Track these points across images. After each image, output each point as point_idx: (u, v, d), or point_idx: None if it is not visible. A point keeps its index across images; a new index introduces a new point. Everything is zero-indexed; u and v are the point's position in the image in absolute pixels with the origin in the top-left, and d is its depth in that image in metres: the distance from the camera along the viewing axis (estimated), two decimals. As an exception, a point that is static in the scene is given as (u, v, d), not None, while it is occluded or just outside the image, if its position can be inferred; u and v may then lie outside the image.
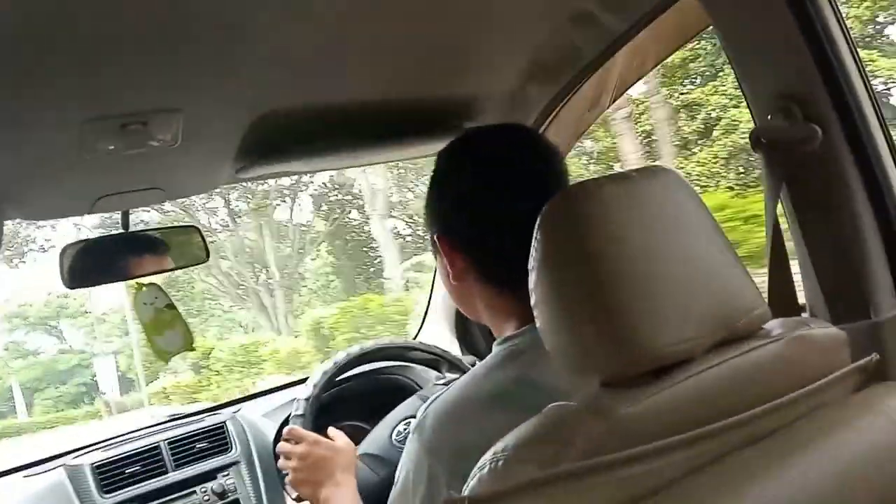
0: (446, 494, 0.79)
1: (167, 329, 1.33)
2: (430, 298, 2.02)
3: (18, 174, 1.08)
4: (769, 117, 0.89)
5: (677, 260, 0.65)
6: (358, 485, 1.22)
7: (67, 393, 18.51)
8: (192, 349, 1.37)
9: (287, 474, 1.31)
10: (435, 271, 1.97)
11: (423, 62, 1.17)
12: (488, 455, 0.61)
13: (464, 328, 1.91)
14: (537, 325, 0.68)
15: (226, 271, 16.70)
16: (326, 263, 18.41)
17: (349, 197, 17.74)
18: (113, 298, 19.09)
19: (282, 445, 1.28)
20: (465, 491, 0.61)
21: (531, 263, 0.68)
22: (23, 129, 0.96)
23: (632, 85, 1.54)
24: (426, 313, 2.04)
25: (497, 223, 0.89)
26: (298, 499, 1.37)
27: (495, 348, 0.90)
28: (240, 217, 17.27)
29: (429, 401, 0.88)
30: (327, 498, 1.20)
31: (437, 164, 0.97)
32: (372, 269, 17.65)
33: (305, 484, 1.23)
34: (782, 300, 0.89)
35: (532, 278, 0.68)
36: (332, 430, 1.33)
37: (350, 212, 17.99)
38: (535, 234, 0.67)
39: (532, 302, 0.68)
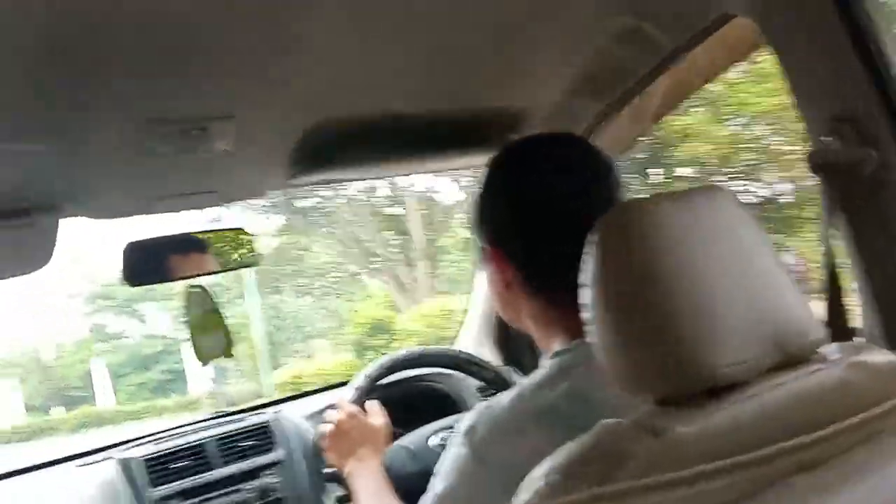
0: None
1: (212, 332, 1.37)
2: (469, 307, 2.03)
3: (81, 173, 1.12)
4: (824, 139, 0.88)
5: (734, 281, 0.65)
6: (387, 472, 1.25)
7: (151, 380, 17.02)
8: (231, 356, 1.40)
9: (328, 475, 1.35)
10: (473, 282, 1.98)
11: (473, 74, 1.18)
12: (539, 471, 0.61)
13: (504, 337, 1.91)
14: (591, 341, 0.68)
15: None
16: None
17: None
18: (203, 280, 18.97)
19: (329, 413, 1.36)
20: None
21: (585, 278, 0.68)
22: (88, 130, 1.00)
23: (679, 103, 1.53)
24: (466, 321, 2.05)
25: (549, 235, 0.89)
26: (340, 500, 1.40)
27: (546, 362, 0.89)
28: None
29: (478, 408, 0.87)
30: (350, 471, 1.25)
31: (487, 173, 0.96)
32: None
33: (333, 450, 1.31)
34: (839, 325, 0.88)
35: (586, 294, 0.68)
36: (372, 405, 1.37)
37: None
38: (589, 249, 0.68)
39: (585, 318, 0.68)
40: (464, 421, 0.88)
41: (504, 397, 0.87)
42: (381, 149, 1.32)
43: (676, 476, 0.56)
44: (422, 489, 0.91)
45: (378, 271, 14.20)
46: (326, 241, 14.11)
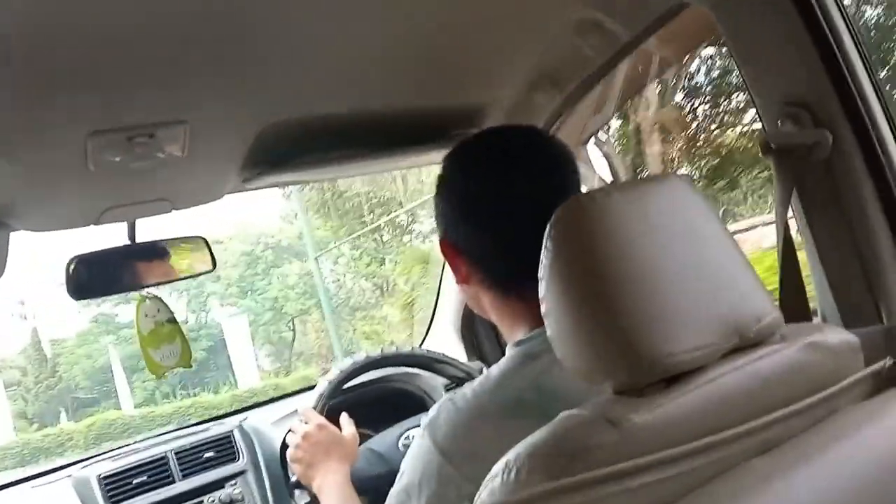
0: (457, 497, 0.78)
1: (165, 343, 1.34)
2: (435, 304, 2.02)
3: (24, 187, 1.08)
4: (779, 123, 0.89)
5: (688, 267, 0.64)
6: (355, 475, 1.22)
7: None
8: (189, 366, 1.37)
9: (294, 482, 1.32)
10: (441, 277, 1.97)
11: (429, 71, 1.17)
12: (500, 464, 0.60)
13: (470, 334, 1.91)
14: (548, 334, 0.67)
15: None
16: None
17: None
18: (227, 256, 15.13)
19: (293, 423, 1.32)
20: (477, 501, 0.60)
21: (541, 272, 0.67)
22: (29, 142, 0.96)
23: (637, 93, 1.54)
24: (432, 319, 2.04)
25: (501, 229, 0.88)
26: None
27: (509, 351, 0.88)
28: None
29: (441, 401, 0.86)
30: (320, 485, 1.22)
31: (442, 167, 0.95)
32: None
33: (300, 462, 1.26)
34: (794, 306, 0.89)
35: (542, 287, 0.67)
36: (344, 417, 1.34)
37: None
38: (544, 243, 0.67)
39: (542, 311, 0.67)
40: (427, 414, 0.86)
41: (467, 389, 0.86)
42: (338, 148, 1.30)
43: (634, 465, 0.56)
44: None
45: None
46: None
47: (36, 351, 15.36)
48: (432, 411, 0.86)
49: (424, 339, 2.05)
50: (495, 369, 0.87)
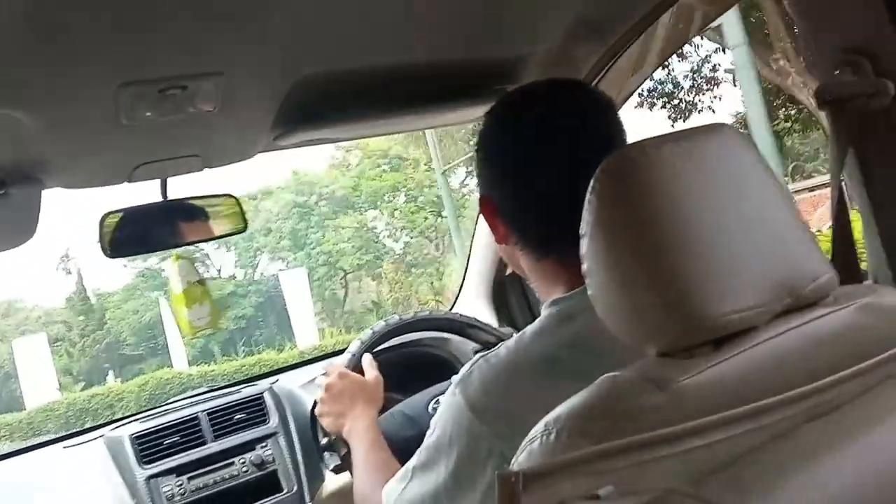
0: (488, 455, 0.78)
1: (196, 303, 1.35)
2: (466, 269, 2.00)
3: (56, 143, 1.07)
4: (836, 73, 0.84)
5: (740, 223, 0.61)
6: (385, 436, 1.23)
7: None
8: (219, 328, 1.39)
9: (325, 444, 1.33)
10: (472, 240, 1.95)
11: (464, 22, 1.13)
12: (539, 426, 0.58)
13: (501, 299, 1.89)
14: (589, 292, 0.65)
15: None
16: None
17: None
18: (279, 207, 14.15)
19: (318, 379, 1.36)
20: (515, 464, 0.58)
21: (583, 228, 0.65)
22: (58, 96, 0.95)
23: (678, 49, 1.49)
24: (462, 283, 2.02)
25: (539, 188, 0.86)
26: (336, 469, 1.39)
27: (544, 311, 0.87)
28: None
29: (475, 358, 0.85)
30: (349, 431, 1.24)
31: (483, 125, 0.93)
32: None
33: (328, 415, 1.30)
34: (846, 266, 0.84)
35: (584, 244, 0.65)
36: (366, 360, 1.37)
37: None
38: (587, 198, 0.64)
39: (584, 268, 0.65)
40: (460, 372, 0.86)
41: (502, 348, 0.85)
42: (371, 106, 1.27)
43: (682, 428, 0.53)
44: None
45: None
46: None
47: (82, 301, 14.70)
48: (465, 369, 0.85)
49: (455, 303, 2.04)
50: (529, 329, 0.86)
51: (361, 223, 14.10)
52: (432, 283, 13.39)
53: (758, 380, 0.58)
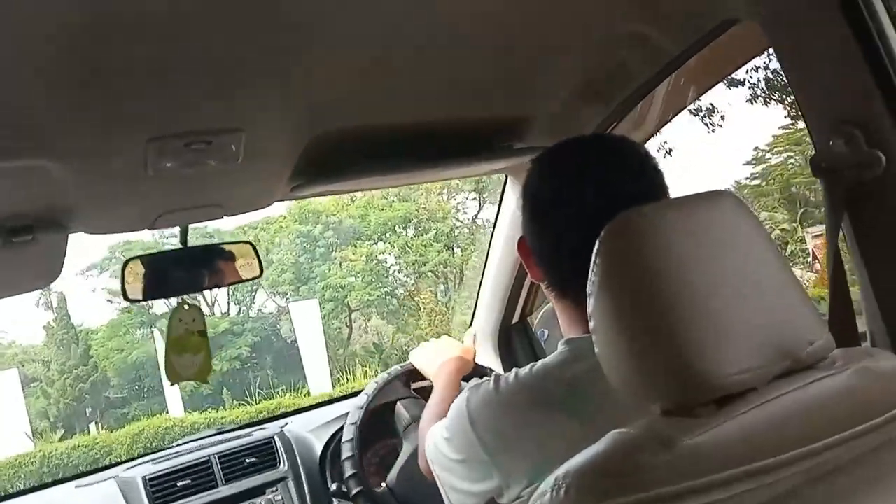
0: (479, 459, 0.89)
1: (188, 353, 1.35)
2: (473, 315, 2.03)
3: (84, 191, 1.11)
4: (830, 143, 0.88)
5: (739, 287, 0.64)
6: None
7: (215, 371, 11.05)
8: (206, 382, 1.39)
9: (335, 490, 1.35)
10: (479, 287, 1.97)
11: (476, 84, 1.18)
12: (550, 481, 0.61)
13: (507, 347, 1.91)
14: (595, 350, 0.67)
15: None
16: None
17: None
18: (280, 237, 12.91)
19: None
20: None
21: (589, 287, 0.68)
22: (90, 149, 1.00)
23: (681, 109, 1.53)
24: (468, 331, 2.04)
25: (563, 235, 0.92)
26: None
27: (559, 347, 0.93)
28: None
29: (494, 375, 0.94)
30: (436, 373, 1.41)
31: (526, 172, 1.00)
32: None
33: (423, 356, 1.50)
34: (843, 329, 0.87)
35: (591, 303, 0.67)
36: (469, 333, 1.55)
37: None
38: (593, 258, 0.67)
39: (590, 327, 0.68)
40: (479, 379, 0.96)
41: (513, 373, 0.92)
42: (384, 159, 1.31)
43: (686, 486, 0.56)
44: None
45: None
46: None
47: (64, 329, 12.45)
48: (482, 380, 0.95)
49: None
50: (541, 362, 0.93)
51: (371, 255, 13.22)
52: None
53: (759, 441, 0.60)
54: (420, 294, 12.76)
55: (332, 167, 1.26)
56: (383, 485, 1.45)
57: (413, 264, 13.11)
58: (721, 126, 10.11)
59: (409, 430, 1.47)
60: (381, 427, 1.51)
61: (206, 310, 12.62)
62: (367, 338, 13.63)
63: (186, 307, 1.34)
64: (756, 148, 10.74)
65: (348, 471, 1.42)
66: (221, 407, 11.24)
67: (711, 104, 10.05)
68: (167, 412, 11.02)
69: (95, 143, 0.99)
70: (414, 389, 1.61)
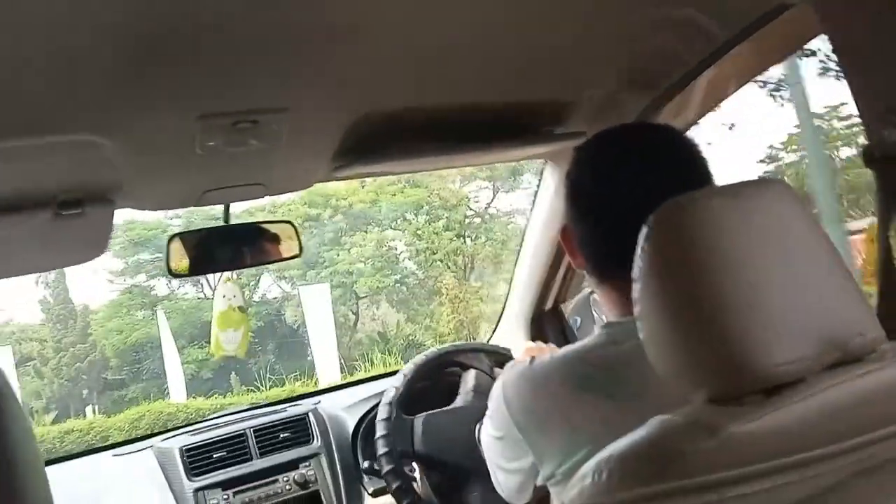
0: (514, 439, 0.91)
1: (231, 328, 1.39)
2: (505, 301, 2.03)
3: (134, 167, 1.14)
4: (885, 132, 0.86)
5: (788, 276, 0.63)
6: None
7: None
8: (243, 356, 1.43)
9: (366, 468, 1.37)
10: (513, 274, 1.98)
11: (523, 67, 1.17)
12: (591, 464, 0.61)
13: (539, 334, 1.91)
14: (640, 336, 0.67)
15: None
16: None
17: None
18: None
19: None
20: (567, 500, 0.61)
21: (635, 273, 0.67)
22: (142, 125, 1.02)
23: (724, 97, 1.50)
24: (501, 314, 2.05)
25: (603, 221, 0.94)
26: (375, 493, 1.42)
27: (598, 330, 0.94)
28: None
29: (530, 358, 0.94)
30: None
31: (570, 160, 1.00)
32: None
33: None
34: (893, 322, 0.86)
35: (636, 288, 0.67)
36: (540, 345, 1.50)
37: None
38: (640, 244, 0.67)
39: (636, 313, 0.68)
40: (517, 359, 0.99)
41: (548, 355, 0.93)
42: (427, 142, 1.32)
43: (731, 475, 0.55)
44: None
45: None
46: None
47: (61, 305, 11.84)
48: (520, 359, 0.98)
49: (493, 333, 2.06)
50: (580, 343, 0.94)
51: (381, 241, 12.85)
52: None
53: (806, 432, 0.60)
54: (442, 280, 12.44)
55: (373, 149, 1.27)
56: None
57: (424, 251, 12.81)
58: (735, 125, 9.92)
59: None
60: (416, 407, 1.52)
61: (208, 293, 12.18)
62: (372, 325, 13.33)
63: (229, 282, 1.39)
64: (770, 146, 10.54)
65: (381, 449, 1.44)
66: (229, 392, 10.95)
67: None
68: (168, 397, 10.69)
69: (147, 119, 1.01)
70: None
